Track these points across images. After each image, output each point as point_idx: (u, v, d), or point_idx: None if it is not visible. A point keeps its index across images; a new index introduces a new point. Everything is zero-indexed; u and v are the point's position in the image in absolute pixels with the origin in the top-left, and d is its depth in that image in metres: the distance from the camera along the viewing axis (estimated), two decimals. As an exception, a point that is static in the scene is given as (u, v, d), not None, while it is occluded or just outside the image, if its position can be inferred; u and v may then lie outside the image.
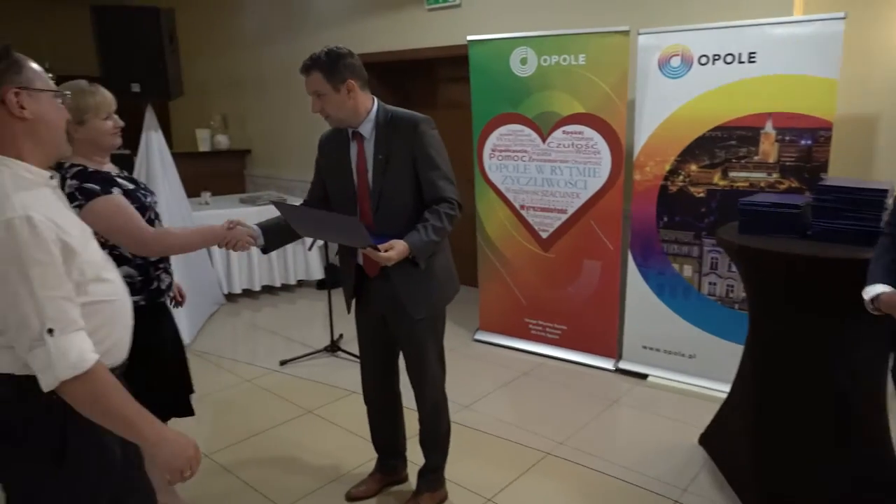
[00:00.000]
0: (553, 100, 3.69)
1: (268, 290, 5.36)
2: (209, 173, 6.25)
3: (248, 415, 3.24)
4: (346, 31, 5.35)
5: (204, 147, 6.47)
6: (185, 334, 4.13)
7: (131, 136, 4.17)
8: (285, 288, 5.45)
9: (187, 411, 2.31)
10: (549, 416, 3.21)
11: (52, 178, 1.33)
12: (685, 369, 3.52)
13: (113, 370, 1.29)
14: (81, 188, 1.91)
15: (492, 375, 3.72)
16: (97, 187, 1.92)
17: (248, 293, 5.24)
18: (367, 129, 2.15)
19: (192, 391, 2.34)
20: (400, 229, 2.08)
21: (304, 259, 5.41)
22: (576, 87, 3.60)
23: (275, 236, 2.23)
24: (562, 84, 3.64)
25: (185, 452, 1.29)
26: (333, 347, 3.97)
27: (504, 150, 3.93)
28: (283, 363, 3.82)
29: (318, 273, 5.45)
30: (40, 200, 1.22)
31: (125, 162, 4.37)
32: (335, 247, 5.81)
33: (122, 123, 2.05)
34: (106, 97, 2.02)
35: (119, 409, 1.23)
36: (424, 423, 2.41)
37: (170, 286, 2.19)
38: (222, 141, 6.48)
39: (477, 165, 4.03)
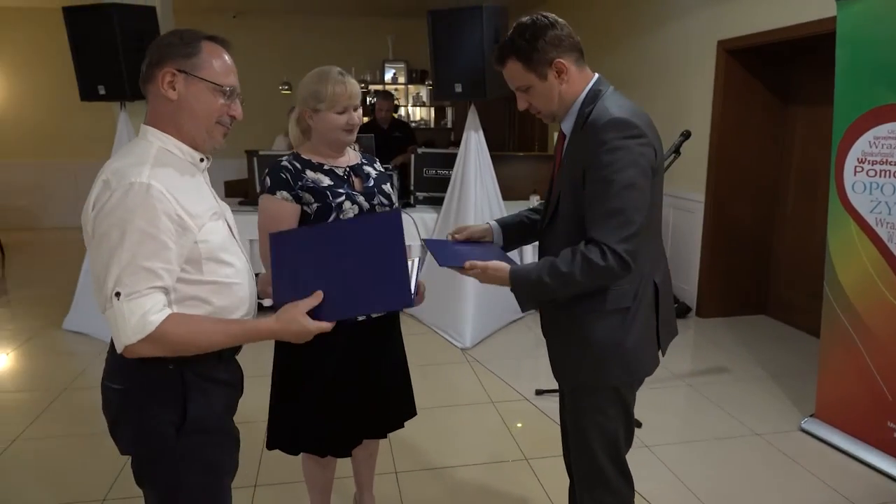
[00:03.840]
0: (978, 81, 2.23)
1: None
2: (560, 177, 6.08)
3: (461, 442, 2.93)
4: (717, 11, 4.42)
5: (559, 150, 6.32)
6: (467, 338, 4.07)
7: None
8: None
9: (372, 433, 2.08)
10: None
11: (202, 160, 1.33)
12: None
13: None
14: (266, 175, 1.89)
15: (808, 493, 2.52)
16: (268, 182, 1.87)
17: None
18: (569, 124, 1.59)
19: (407, 414, 2.11)
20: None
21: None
22: None
23: (515, 233, 1.85)
24: None
25: (299, 337, 1.29)
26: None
27: (880, 161, 2.59)
28: (538, 392, 3.37)
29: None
30: (173, 174, 1.22)
31: (451, 159, 4.54)
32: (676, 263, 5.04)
33: (356, 121, 1.88)
34: (344, 91, 1.84)
35: (210, 343, 1.22)
36: None
37: None
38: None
39: (833, 183, 2.76)
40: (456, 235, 1.80)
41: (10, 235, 7.28)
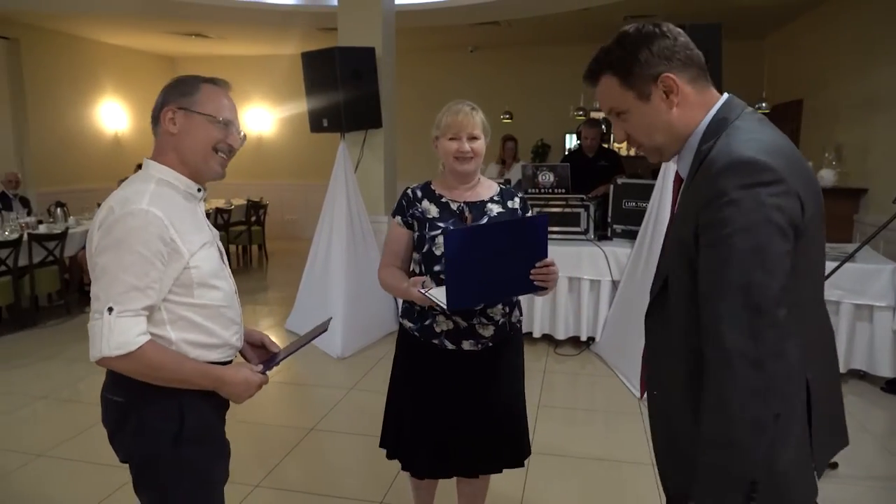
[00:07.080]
0: None
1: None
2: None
3: None
4: None
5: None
6: (634, 387, 3.69)
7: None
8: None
9: (461, 472, 2.02)
10: None
11: (199, 190, 1.46)
12: None
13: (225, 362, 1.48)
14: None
15: None
16: (395, 205, 2.01)
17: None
18: (686, 164, 1.21)
19: (511, 462, 2.04)
20: (673, 357, 1.19)
21: (868, 342, 3.84)
22: None
23: None
24: None
25: (246, 392, 1.44)
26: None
27: None
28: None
29: (887, 366, 3.79)
30: (171, 203, 1.36)
31: (651, 190, 4.19)
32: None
33: (466, 149, 1.86)
34: (454, 119, 1.86)
35: (172, 376, 1.33)
36: None
37: (450, 333, 1.90)
38: (826, 177, 5.25)
39: None
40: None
41: (275, 244, 8.68)
